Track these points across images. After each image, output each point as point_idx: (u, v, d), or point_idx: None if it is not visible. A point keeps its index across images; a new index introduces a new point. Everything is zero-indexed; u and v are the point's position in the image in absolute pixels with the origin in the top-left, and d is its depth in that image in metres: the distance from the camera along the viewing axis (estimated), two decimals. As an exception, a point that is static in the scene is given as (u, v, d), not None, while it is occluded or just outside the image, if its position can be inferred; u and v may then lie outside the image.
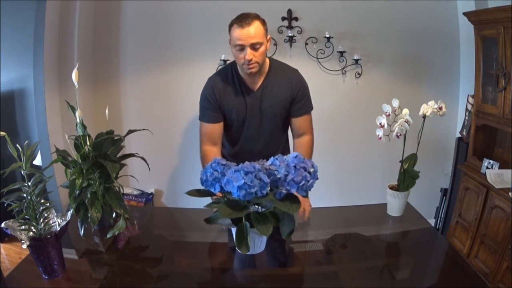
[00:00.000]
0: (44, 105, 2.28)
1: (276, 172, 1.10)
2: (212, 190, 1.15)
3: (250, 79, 1.61)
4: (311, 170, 1.13)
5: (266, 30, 1.52)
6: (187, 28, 2.65)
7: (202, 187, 1.20)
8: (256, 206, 1.15)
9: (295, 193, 1.14)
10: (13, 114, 2.63)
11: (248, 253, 1.12)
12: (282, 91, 1.63)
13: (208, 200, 1.29)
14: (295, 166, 1.10)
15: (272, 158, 1.16)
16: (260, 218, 1.10)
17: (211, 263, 1.35)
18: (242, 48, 1.47)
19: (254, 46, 1.46)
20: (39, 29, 2.22)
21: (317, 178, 1.16)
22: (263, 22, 1.51)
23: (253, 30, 1.44)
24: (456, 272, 1.25)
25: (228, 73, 1.64)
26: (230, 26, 1.50)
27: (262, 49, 1.49)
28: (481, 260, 2.17)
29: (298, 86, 1.64)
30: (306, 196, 1.46)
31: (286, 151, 1.86)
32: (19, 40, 2.42)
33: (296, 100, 1.65)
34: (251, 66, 1.50)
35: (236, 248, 1.12)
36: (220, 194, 1.20)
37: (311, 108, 1.74)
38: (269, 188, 1.08)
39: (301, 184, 1.09)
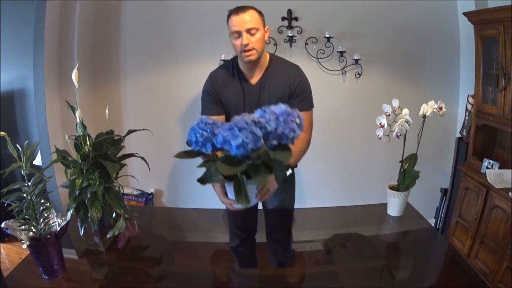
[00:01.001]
0: (44, 105, 2.28)
1: (266, 125, 1.12)
2: (204, 150, 1.15)
3: (249, 72, 1.61)
4: (298, 120, 1.15)
5: (263, 20, 1.55)
6: (187, 28, 2.65)
7: (189, 148, 1.19)
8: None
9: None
10: (13, 114, 2.63)
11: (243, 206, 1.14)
12: (281, 85, 1.62)
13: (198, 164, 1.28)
14: (284, 120, 1.12)
15: (259, 110, 1.17)
16: (255, 170, 1.11)
17: (211, 263, 1.35)
18: (239, 34, 1.49)
19: (250, 31, 1.48)
20: (39, 29, 2.22)
21: (302, 126, 1.18)
22: (260, 13, 1.54)
23: (248, 17, 1.48)
24: (456, 272, 1.25)
25: (229, 67, 1.66)
26: (228, 17, 1.53)
27: (259, 35, 1.50)
28: (481, 260, 2.17)
29: (297, 80, 1.62)
30: (290, 169, 1.45)
31: None
32: (19, 40, 2.42)
33: (294, 94, 1.62)
34: (248, 52, 1.50)
35: (236, 203, 1.14)
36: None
37: (311, 106, 1.69)
38: (262, 141, 1.11)
39: (290, 136, 1.12)
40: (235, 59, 1.66)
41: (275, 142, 1.12)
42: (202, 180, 1.20)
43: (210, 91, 1.64)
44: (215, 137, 1.10)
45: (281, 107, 1.15)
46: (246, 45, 1.48)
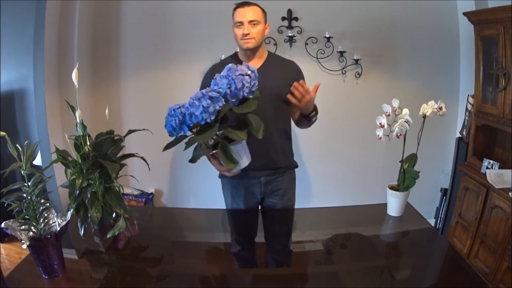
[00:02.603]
0: (44, 105, 2.28)
1: (221, 90, 1.21)
2: (182, 132, 1.27)
3: (248, 60, 1.70)
4: (249, 72, 1.23)
5: (265, 16, 1.68)
6: (187, 28, 2.65)
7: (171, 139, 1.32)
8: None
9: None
10: (13, 114, 2.64)
11: (236, 168, 1.24)
12: (282, 75, 1.70)
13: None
14: (233, 77, 1.21)
15: (213, 80, 1.26)
16: (234, 129, 1.21)
17: (211, 263, 1.35)
18: (241, 24, 1.62)
19: (252, 23, 1.62)
20: (39, 29, 2.22)
21: (257, 76, 1.25)
22: (263, 10, 1.68)
23: (252, 10, 1.63)
24: (456, 272, 1.25)
25: (228, 58, 1.79)
26: (234, 9, 1.66)
27: (259, 28, 1.63)
28: (481, 260, 2.17)
29: (297, 73, 1.76)
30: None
31: (287, 134, 1.85)
32: (19, 40, 2.42)
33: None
34: (248, 39, 1.62)
35: (226, 166, 1.23)
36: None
37: None
38: (223, 100, 1.20)
39: (244, 88, 1.21)
40: (236, 53, 1.77)
41: (233, 100, 1.23)
42: (192, 160, 1.32)
43: (207, 79, 1.72)
44: (185, 117, 1.23)
45: (227, 66, 1.25)
46: (247, 35, 1.61)
